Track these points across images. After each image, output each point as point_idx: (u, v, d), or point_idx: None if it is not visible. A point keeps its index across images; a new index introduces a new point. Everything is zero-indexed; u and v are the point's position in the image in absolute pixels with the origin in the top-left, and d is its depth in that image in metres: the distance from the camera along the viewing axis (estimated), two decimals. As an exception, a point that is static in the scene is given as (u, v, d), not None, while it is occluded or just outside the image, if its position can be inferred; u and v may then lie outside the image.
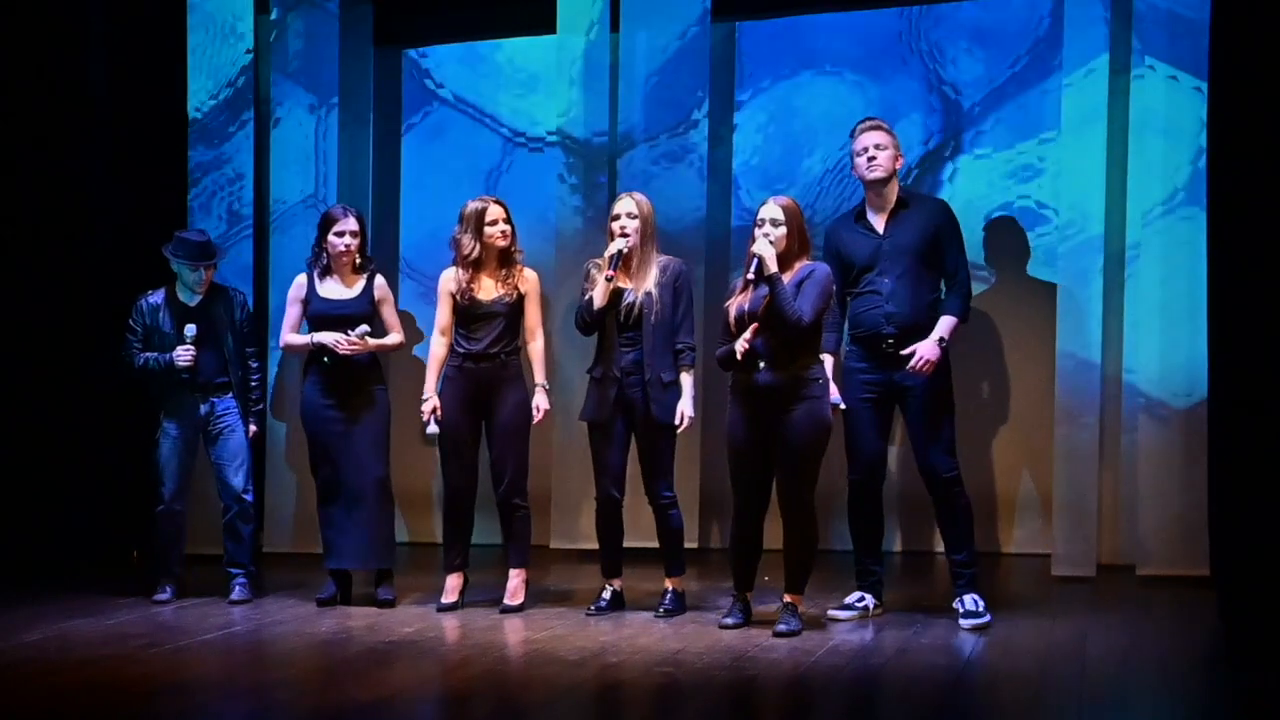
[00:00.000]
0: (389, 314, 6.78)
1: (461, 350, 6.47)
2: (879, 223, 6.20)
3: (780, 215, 5.82)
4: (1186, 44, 6.99)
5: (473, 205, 6.50)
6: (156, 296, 6.86)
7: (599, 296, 6.24)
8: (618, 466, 6.37)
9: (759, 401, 5.78)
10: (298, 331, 6.75)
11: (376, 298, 6.74)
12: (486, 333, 6.43)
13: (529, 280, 6.53)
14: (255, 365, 6.94)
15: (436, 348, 6.53)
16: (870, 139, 6.19)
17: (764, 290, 5.73)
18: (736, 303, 5.86)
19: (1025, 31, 7.91)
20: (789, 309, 5.68)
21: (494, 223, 6.44)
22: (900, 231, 6.16)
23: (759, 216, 5.85)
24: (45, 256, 7.86)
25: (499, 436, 6.45)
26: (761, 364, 5.74)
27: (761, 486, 5.89)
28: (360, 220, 6.77)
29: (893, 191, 6.21)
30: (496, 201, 6.51)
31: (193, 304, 6.83)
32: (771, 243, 5.78)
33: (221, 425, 6.80)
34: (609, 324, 6.31)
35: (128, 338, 6.84)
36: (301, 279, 6.79)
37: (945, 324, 6.11)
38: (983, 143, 7.95)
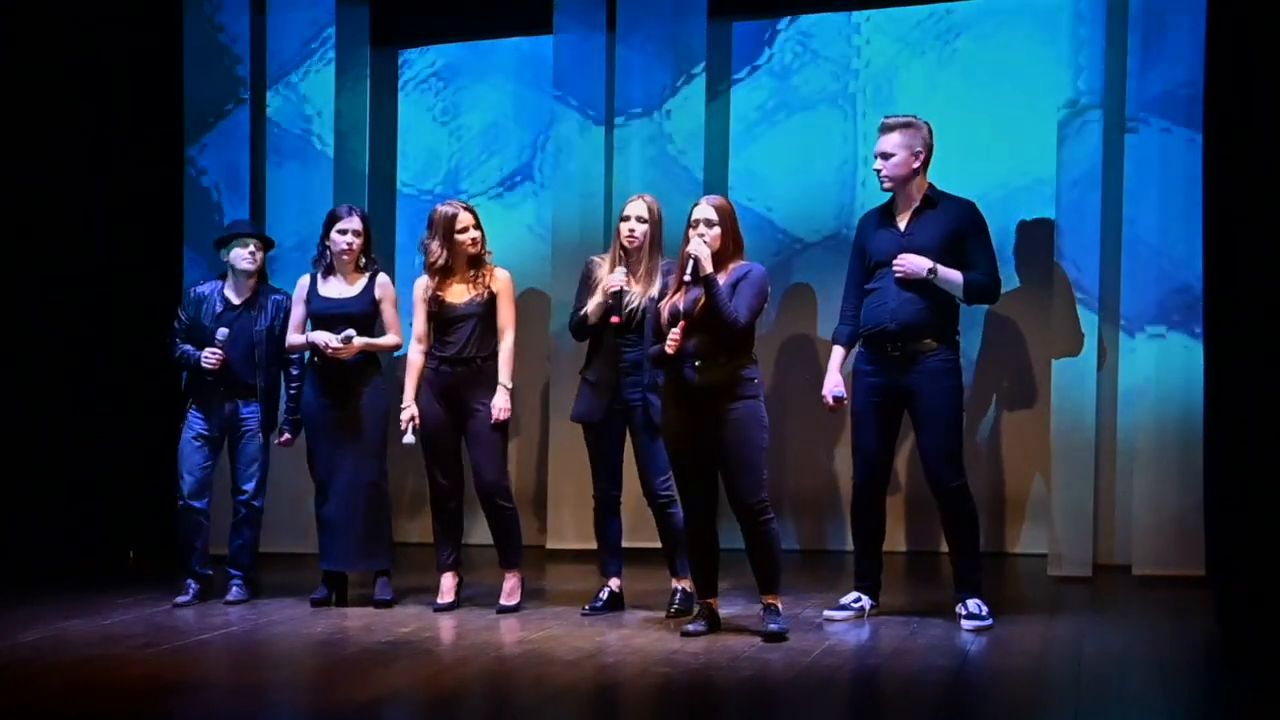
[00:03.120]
0: (389, 313, 6.72)
1: (437, 354, 6.46)
2: (902, 220, 6.16)
3: (714, 215, 5.77)
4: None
5: (442, 210, 6.47)
6: (206, 287, 6.85)
7: (593, 312, 6.24)
8: (615, 465, 6.38)
9: (694, 402, 5.72)
10: (302, 332, 6.73)
11: (377, 296, 6.69)
12: (459, 336, 6.42)
13: (500, 280, 6.50)
14: (295, 373, 6.81)
15: (414, 355, 6.51)
16: (879, 146, 6.14)
17: (698, 291, 5.67)
18: (670, 303, 5.78)
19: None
20: (726, 310, 5.64)
21: (464, 229, 6.42)
22: (921, 231, 6.11)
23: (693, 217, 5.80)
24: (45, 256, 7.86)
25: (475, 439, 6.44)
26: (696, 363, 5.68)
27: (708, 485, 5.82)
28: (364, 220, 6.76)
29: (917, 190, 6.14)
30: (466, 207, 6.49)
31: (237, 301, 6.79)
32: (706, 243, 5.72)
33: (243, 429, 6.76)
34: (605, 325, 6.31)
35: (174, 324, 6.84)
36: (304, 279, 6.77)
37: (951, 270, 6.05)
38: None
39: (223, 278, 6.87)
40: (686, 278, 5.70)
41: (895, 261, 6.03)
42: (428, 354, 6.50)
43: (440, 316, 6.45)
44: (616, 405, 6.31)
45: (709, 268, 5.66)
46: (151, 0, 8.45)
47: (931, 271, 6.01)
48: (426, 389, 6.46)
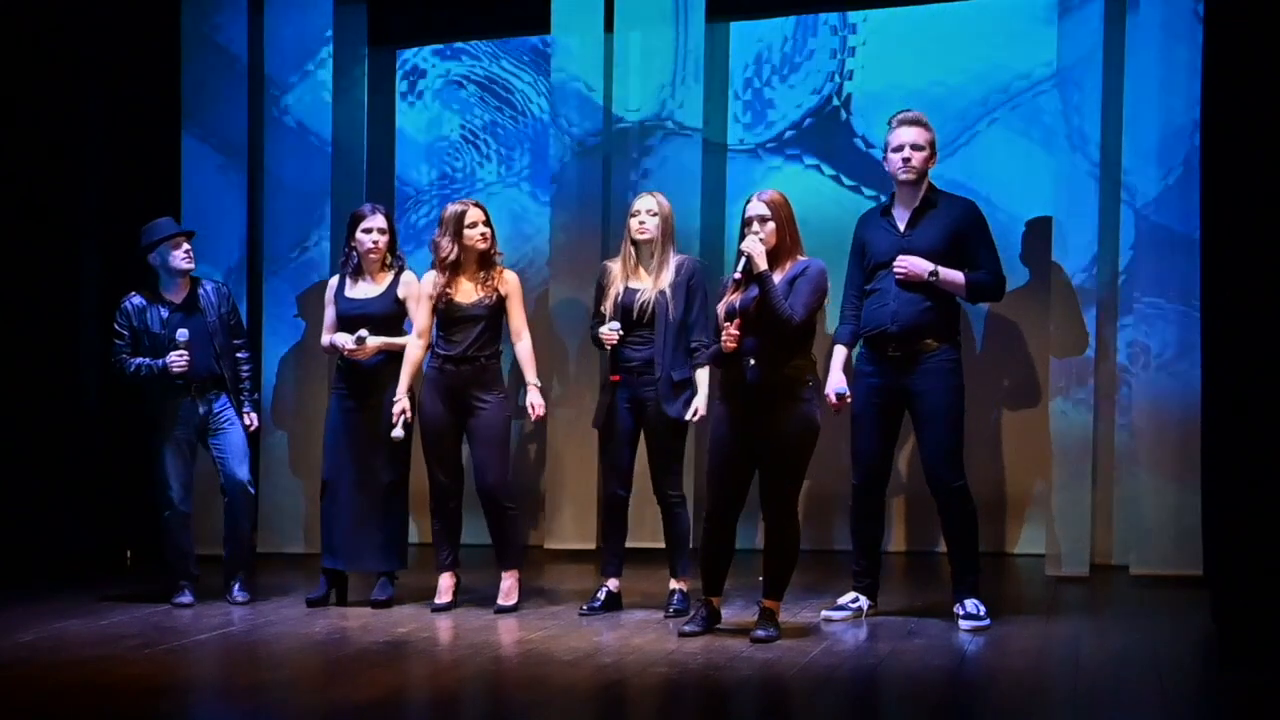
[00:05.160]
0: (414, 311, 6.69)
1: (441, 353, 6.46)
2: (903, 220, 6.14)
3: (766, 212, 5.71)
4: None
5: (453, 208, 6.48)
6: (139, 298, 6.72)
7: (603, 341, 6.30)
8: (625, 465, 6.37)
9: (748, 401, 5.68)
10: (333, 333, 6.72)
11: (401, 295, 6.67)
12: (465, 336, 6.42)
13: (509, 282, 6.51)
14: (244, 356, 6.86)
15: (412, 349, 6.51)
16: (909, 136, 6.08)
17: (755, 290, 5.64)
18: (726, 302, 5.75)
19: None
20: (780, 308, 5.59)
21: (474, 225, 6.42)
22: (923, 231, 6.08)
23: (746, 215, 5.75)
24: (38, 255, 7.87)
25: (479, 440, 6.45)
26: (751, 361, 5.66)
27: (740, 487, 5.78)
28: (388, 218, 6.74)
29: (922, 189, 6.13)
30: (476, 204, 6.49)
31: (179, 300, 6.73)
32: (761, 239, 5.68)
33: (221, 421, 6.73)
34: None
35: (115, 343, 6.70)
36: (333, 281, 6.79)
37: (952, 271, 6.03)
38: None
39: (149, 286, 6.75)
40: (738, 275, 5.65)
41: (895, 264, 6.01)
42: (431, 351, 6.50)
43: (447, 315, 6.45)
44: (626, 405, 6.31)
45: (763, 265, 5.61)
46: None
47: (933, 274, 6.00)
48: (429, 387, 6.46)
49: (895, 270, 6.01)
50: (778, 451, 5.68)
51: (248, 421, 6.81)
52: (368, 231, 6.66)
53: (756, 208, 5.74)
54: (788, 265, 5.73)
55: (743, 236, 5.73)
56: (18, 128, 7.80)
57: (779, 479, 5.71)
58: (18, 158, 7.80)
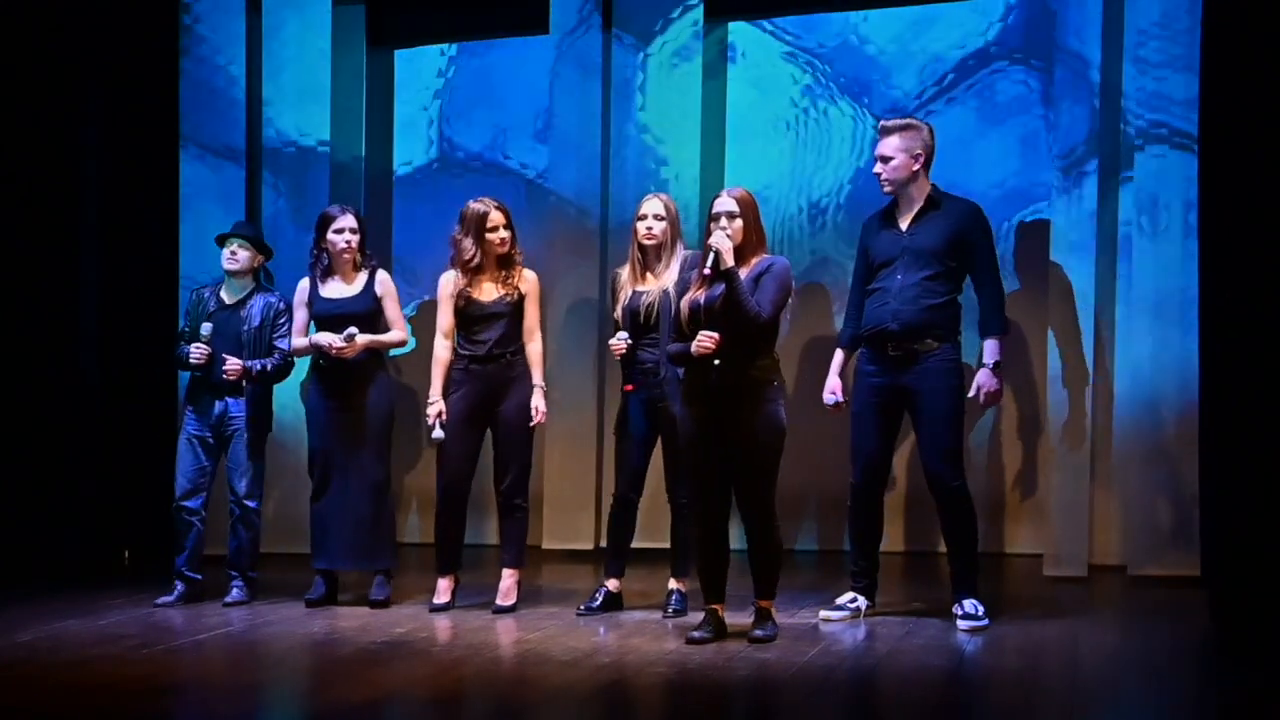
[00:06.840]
0: (391, 310, 6.72)
1: (466, 353, 6.47)
2: (905, 221, 6.15)
3: (735, 208, 5.69)
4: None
5: (474, 208, 6.47)
6: (206, 290, 6.87)
7: (612, 352, 6.36)
8: (638, 468, 6.37)
9: (713, 402, 5.66)
10: (305, 335, 6.73)
11: (378, 294, 6.70)
12: (489, 334, 6.43)
13: (529, 281, 6.52)
14: (276, 356, 6.72)
15: (440, 351, 6.51)
16: (878, 149, 6.13)
17: (721, 286, 5.61)
18: (691, 298, 5.72)
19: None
20: (748, 305, 5.57)
21: (495, 229, 6.43)
22: (924, 232, 6.09)
23: (714, 211, 5.73)
24: (38, 255, 7.87)
25: (504, 436, 6.46)
26: (717, 362, 5.61)
27: (721, 487, 5.74)
28: (358, 217, 6.75)
29: (920, 191, 6.12)
30: (498, 206, 6.48)
31: (230, 300, 6.79)
32: (729, 236, 5.66)
33: (232, 429, 6.74)
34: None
35: (181, 327, 6.87)
36: (304, 283, 6.76)
37: (991, 349, 6.10)
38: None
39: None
40: (707, 271, 5.63)
41: (981, 397, 6.14)
42: (454, 350, 6.51)
43: (469, 313, 6.46)
44: (641, 408, 6.32)
45: (730, 261, 5.59)
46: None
47: (997, 367, 6.11)
48: (455, 389, 6.46)
49: (983, 403, 6.18)
50: (749, 453, 5.66)
51: (231, 365, 6.58)
52: (339, 232, 6.66)
53: (725, 203, 5.73)
54: (753, 262, 5.72)
55: (709, 232, 5.73)
56: (18, 128, 7.81)
57: (753, 480, 5.69)
58: (18, 158, 7.80)
